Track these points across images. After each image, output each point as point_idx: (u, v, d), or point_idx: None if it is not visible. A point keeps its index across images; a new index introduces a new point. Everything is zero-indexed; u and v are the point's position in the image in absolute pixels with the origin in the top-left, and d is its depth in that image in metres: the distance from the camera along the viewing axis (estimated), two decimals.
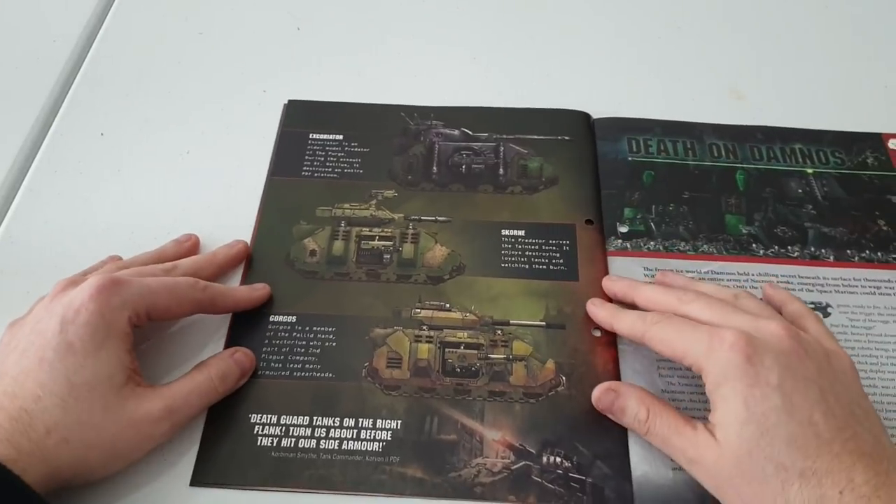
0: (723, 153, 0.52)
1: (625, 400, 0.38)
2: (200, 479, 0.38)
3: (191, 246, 0.45)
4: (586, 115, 0.53)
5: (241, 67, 0.57)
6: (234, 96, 0.55)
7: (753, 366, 0.34)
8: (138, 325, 0.38)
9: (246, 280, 0.45)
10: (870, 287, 0.46)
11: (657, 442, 0.37)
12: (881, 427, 0.35)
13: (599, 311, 0.42)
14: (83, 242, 0.47)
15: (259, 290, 0.44)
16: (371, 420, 0.39)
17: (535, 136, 0.52)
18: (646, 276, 0.45)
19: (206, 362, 0.40)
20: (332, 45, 0.59)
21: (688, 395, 0.41)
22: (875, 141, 0.53)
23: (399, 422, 0.39)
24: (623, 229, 0.48)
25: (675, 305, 0.39)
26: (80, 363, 0.34)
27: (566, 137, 0.52)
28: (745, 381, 0.34)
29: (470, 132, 0.53)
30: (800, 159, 0.52)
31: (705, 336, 0.35)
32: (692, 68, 0.58)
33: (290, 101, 0.54)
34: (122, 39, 0.59)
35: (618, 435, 0.39)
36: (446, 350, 0.42)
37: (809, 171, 0.51)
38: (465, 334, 0.43)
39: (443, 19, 0.61)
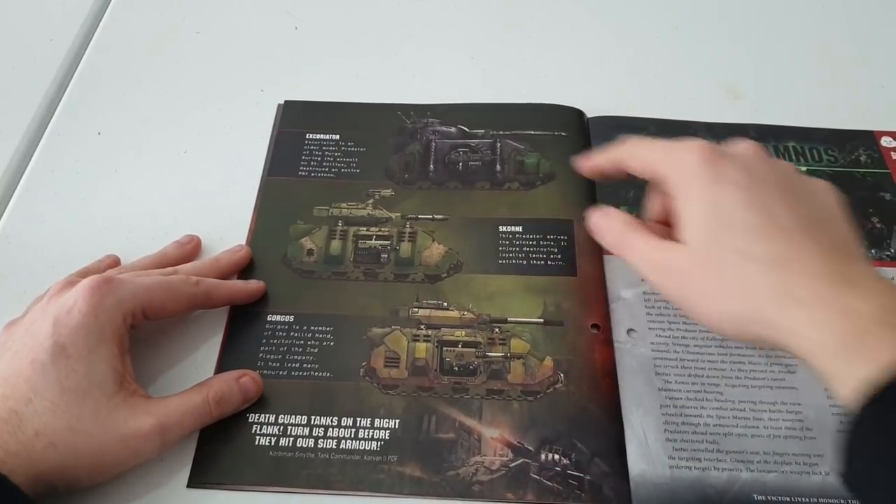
0: None
1: (606, 213, 0.39)
2: (198, 479, 0.38)
3: (193, 248, 0.45)
4: (580, 112, 0.54)
5: (238, 67, 0.57)
6: (232, 96, 0.55)
7: (715, 166, 0.34)
8: (135, 324, 0.38)
9: (242, 279, 0.45)
10: None
11: (626, 253, 0.37)
12: (853, 236, 0.34)
13: (584, 163, 0.41)
14: (80, 242, 0.47)
15: (253, 283, 0.44)
16: (369, 419, 0.40)
17: (532, 132, 0.52)
18: None
19: (207, 382, 0.39)
20: (330, 44, 0.59)
21: (684, 393, 0.41)
22: (867, 138, 0.53)
23: (397, 421, 0.40)
24: None
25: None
26: (72, 367, 0.34)
27: (562, 133, 0.52)
28: (706, 180, 0.34)
29: (466, 129, 0.53)
30: (793, 157, 0.52)
31: (675, 148, 0.36)
32: (687, 67, 0.58)
33: (286, 102, 0.54)
34: (119, 39, 0.59)
35: (615, 432, 0.39)
36: (444, 349, 0.42)
37: (803, 168, 0.51)
38: (463, 333, 0.43)
39: (440, 19, 0.61)
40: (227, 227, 0.47)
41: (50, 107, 0.54)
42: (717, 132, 0.53)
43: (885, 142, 0.53)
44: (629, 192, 0.50)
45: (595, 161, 0.41)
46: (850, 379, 0.27)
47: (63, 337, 0.35)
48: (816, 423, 0.40)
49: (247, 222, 0.48)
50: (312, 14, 0.61)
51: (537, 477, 0.38)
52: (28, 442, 0.33)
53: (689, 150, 0.35)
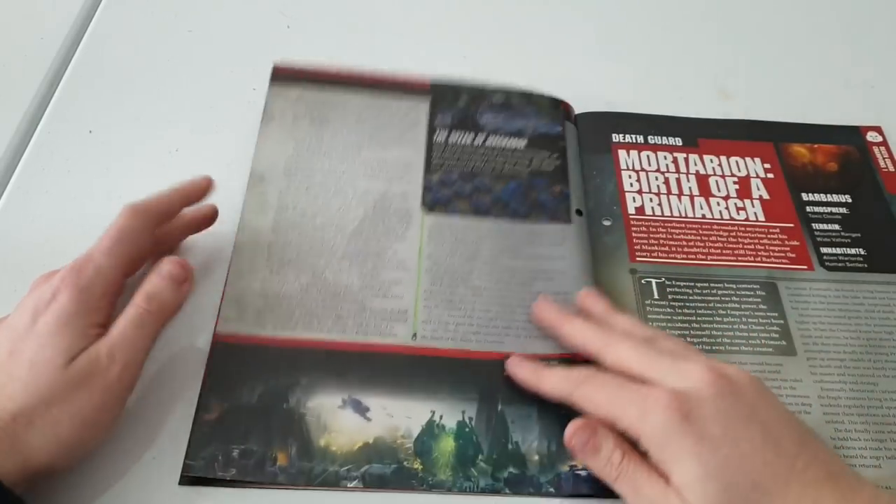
0: None
1: (601, 440, 0.35)
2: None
3: (205, 187, 0.44)
4: (570, 108, 0.54)
5: (230, 66, 0.57)
6: (224, 95, 0.55)
7: (693, 422, 0.33)
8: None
9: (229, 279, 0.44)
10: None
11: (626, 489, 0.34)
12: (820, 441, 0.35)
13: (520, 370, 0.40)
14: (71, 241, 0.46)
15: (205, 206, 0.45)
16: None
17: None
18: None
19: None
20: (322, 43, 0.59)
21: None
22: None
23: None
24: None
25: (601, 349, 0.38)
26: (42, 343, 0.35)
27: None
28: (690, 439, 0.33)
29: None
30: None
31: (637, 399, 0.35)
32: (677, 63, 0.58)
33: None
34: (110, 37, 0.59)
35: None
36: None
37: None
38: None
39: (433, 17, 0.61)
40: (218, 225, 0.47)
41: (41, 105, 0.54)
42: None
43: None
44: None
45: (540, 381, 0.39)
46: None
47: (40, 323, 0.35)
48: None
49: (237, 220, 0.47)
50: (304, 13, 0.61)
51: None
52: (6, 427, 0.33)
53: (662, 409, 0.33)
